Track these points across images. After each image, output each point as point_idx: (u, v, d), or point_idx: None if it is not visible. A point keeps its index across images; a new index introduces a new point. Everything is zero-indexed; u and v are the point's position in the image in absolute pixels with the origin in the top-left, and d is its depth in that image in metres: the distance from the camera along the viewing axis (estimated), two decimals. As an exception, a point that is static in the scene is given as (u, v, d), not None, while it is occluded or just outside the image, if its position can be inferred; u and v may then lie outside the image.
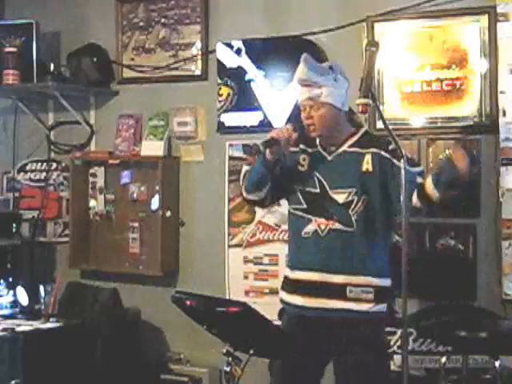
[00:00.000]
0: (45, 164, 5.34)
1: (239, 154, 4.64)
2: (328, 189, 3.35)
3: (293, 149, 3.45)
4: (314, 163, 3.41)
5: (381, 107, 4.00)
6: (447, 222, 4.21)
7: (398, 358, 4.21)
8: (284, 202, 3.60)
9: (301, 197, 3.40)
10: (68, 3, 5.29)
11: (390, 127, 3.44)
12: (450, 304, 4.19)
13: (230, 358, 2.85)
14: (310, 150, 3.44)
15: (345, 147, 3.38)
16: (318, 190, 3.37)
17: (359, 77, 3.25)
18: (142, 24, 5.06)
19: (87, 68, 5.01)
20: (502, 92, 4.02)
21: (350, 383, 3.34)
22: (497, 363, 3.50)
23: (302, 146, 3.46)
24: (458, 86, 4.19)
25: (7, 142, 5.44)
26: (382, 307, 3.33)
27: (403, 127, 4.26)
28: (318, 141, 3.43)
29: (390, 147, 3.28)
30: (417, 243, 4.23)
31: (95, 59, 5.03)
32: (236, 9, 4.76)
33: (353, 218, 3.30)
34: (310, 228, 3.36)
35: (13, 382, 4.01)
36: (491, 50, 4.09)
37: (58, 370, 4.12)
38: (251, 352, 2.83)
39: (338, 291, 3.29)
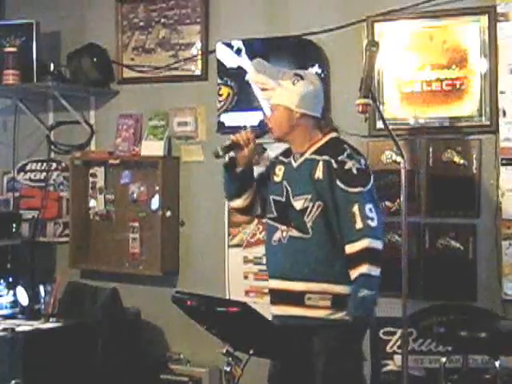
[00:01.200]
0: (45, 164, 5.34)
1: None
2: (291, 197, 3.40)
3: (272, 160, 3.58)
4: (285, 172, 3.47)
5: (381, 107, 4.00)
6: (447, 222, 4.21)
7: (397, 358, 4.22)
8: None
9: (272, 206, 3.46)
10: (68, 3, 5.29)
11: (390, 127, 3.46)
12: (449, 304, 4.19)
13: (230, 358, 2.85)
14: (285, 160, 3.50)
15: (307, 154, 3.41)
16: (283, 199, 3.42)
17: (359, 77, 3.26)
18: (141, 24, 5.06)
19: (87, 68, 5.01)
20: (501, 92, 4.02)
21: None
22: (497, 363, 3.49)
23: (280, 158, 3.54)
24: (458, 86, 4.19)
25: (7, 142, 5.44)
26: (343, 315, 3.26)
27: (403, 127, 4.26)
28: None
29: (340, 158, 3.31)
30: (417, 243, 4.23)
31: (95, 59, 5.03)
32: (236, 9, 4.76)
33: (308, 225, 3.32)
34: (277, 236, 3.41)
35: (13, 382, 4.01)
36: (491, 50, 4.08)
37: (58, 369, 4.12)
38: (251, 352, 2.83)
39: (297, 298, 3.32)
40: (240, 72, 4.65)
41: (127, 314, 4.71)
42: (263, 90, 3.47)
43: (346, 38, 4.42)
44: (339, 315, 3.27)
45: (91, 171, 5.18)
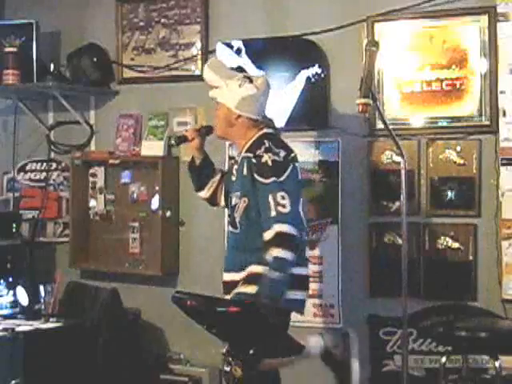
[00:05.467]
0: (45, 164, 5.34)
1: (239, 153, 4.63)
2: (231, 192, 3.63)
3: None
4: (236, 171, 3.66)
5: (381, 107, 4.00)
6: (447, 221, 4.22)
7: (397, 358, 4.22)
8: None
9: (228, 202, 3.68)
10: (68, 3, 5.29)
11: (390, 127, 3.46)
12: (449, 304, 4.19)
13: (230, 358, 2.85)
14: (237, 158, 3.70)
15: (242, 153, 3.60)
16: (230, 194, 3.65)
17: (359, 77, 3.26)
18: (141, 24, 5.06)
19: (87, 68, 5.01)
20: (501, 92, 4.03)
21: None
22: (497, 363, 3.50)
23: (236, 157, 3.75)
24: (458, 86, 4.19)
25: (7, 142, 5.44)
26: (251, 289, 3.34)
27: (403, 127, 4.26)
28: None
29: (258, 152, 3.47)
30: (417, 243, 4.23)
31: (95, 59, 5.03)
32: (236, 9, 4.76)
33: (237, 220, 3.52)
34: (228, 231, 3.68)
35: (13, 382, 4.01)
36: (491, 50, 4.09)
37: (58, 369, 4.11)
38: (251, 352, 2.83)
39: (230, 288, 3.49)
40: (240, 72, 4.65)
41: (127, 314, 4.71)
42: (212, 87, 3.67)
43: (346, 38, 4.42)
44: (247, 290, 3.40)
45: (91, 171, 5.18)
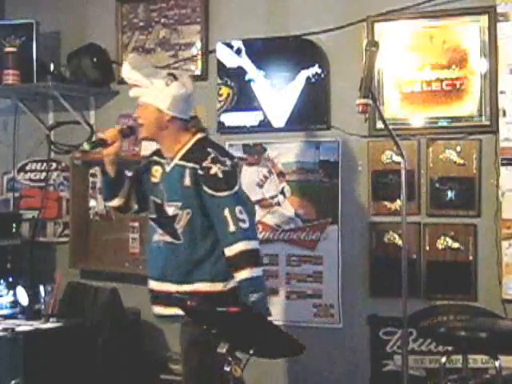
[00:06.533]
0: (45, 164, 5.34)
1: (239, 154, 4.63)
2: (165, 201, 3.43)
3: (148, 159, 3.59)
4: (162, 174, 3.48)
5: (381, 107, 4.00)
6: (447, 221, 4.22)
7: (397, 358, 4.22)
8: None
9: (153, 207, 3.50)
10: (68, 3, 5.29)
11: (390, 127, 3.46)
12: (449, 304, 4.19)
13: (230, 358, 2.85)
14: (162, 161, 3.50)
15: (176, 159, 3.43)
16: (160, 202, 3.45)
17: (359, 77, 3.26)
18: (141, 24, 5.06)
19: (87, 68, 5.01)
20: (502, 92, 4.02)
21: None
22: (497, 363, 3.49)
23: (155, 158, 3.54)
24: (457, 86, 4.19)
25: (7, 142, 5.44)
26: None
27: (403, 127, 4.26)
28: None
29: (204, 164, 3.33)
30: (417, 243, 4.23)
31: (95, 59, 5.02)
32: (236, 9, 4.76)
33: (179, 231, 3.37)
34: (156, 238, 3.47)
35: (13, 382, 4.01)
36: (491, 49, 4.09)
37: (58, 370, 4.11)
38: (251, 352, 2.83)
39: (164, 299, 3.38)
40: (240, 72, 4.65)
41: (127, 314, 4.71)
42: (134, 86, 3.44)
43: (346, 37, 4.42)
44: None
45: (91, 171, 5.18)
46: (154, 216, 3.49)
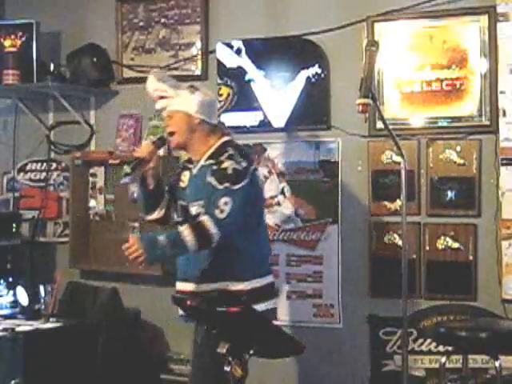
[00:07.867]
0: (45, 164, 5.34)
1: (239, 154, 4.63)
2: (190, 201, 3.47)
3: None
4: (189, 178, 3.54)
5: (381, 107, 4.00)
6: (447, 221, 4.22)
7: (397, 358, 4.22)
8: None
9: (179, 210, 3.56)
10: (68, 3, 5.29)
11: (390, 127, 3.46)
12: (450, 304, 4.19)
13: (230, 358, 2.85)
14: (190, 166, 3.58)
15: (202, 161, 3.49)
16: (186, 204, 3.50)
17: (359, 77, 3.26)
18: (141, 24, 5.06)
19: (87, 68, 5.01)
20: (501, 92, 4.03)
21: None
22: (497, 363, 3.49)
23: (185, 164, 3.63)
24: (458, 86, 4.19)
25: (7, 142, 5.44)
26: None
27: (403, 127, 4.27)
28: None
29: (220, 158, 3.38)
30: (417, 243, 4.23)
31: (95, 59, 5.03)
32: (236, 9, 4.76)
33: None
34: None
35: (13, 382, 4.01)
36: (491, 49, 4.09)
37: (58, 369, 4.11)
38: (251, 352, 2.83)
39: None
40: (240, 72, 4.65)
41: (127, 314, 4.71)
42: (161, 98, 3.51)
43: (346, 37, 4.42)
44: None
45: (91, 171, 5.18)
46: (179, 219, 3.53)
